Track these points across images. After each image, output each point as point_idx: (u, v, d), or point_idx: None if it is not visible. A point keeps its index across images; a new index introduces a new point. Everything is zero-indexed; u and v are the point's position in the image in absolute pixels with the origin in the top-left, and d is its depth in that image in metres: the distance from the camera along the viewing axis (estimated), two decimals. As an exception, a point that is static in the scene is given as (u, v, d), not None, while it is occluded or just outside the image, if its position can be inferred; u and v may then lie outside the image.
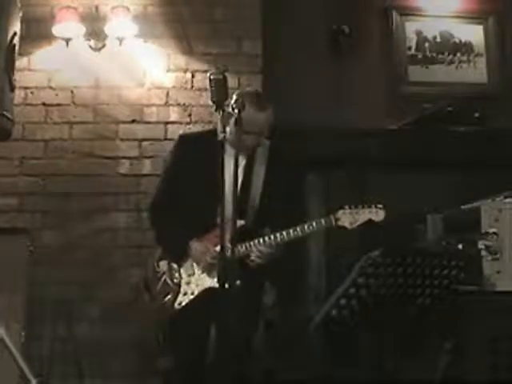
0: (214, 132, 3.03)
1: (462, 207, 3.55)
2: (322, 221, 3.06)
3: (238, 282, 2.95)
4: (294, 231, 3.05)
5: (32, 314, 3.99)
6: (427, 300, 3.01)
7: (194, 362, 3.06)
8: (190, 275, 3.12)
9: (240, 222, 2.97)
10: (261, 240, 3.05)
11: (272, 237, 3.05)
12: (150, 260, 3.26)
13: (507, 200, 3.32)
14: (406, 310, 3.01)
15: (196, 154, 3.17)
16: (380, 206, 3.06)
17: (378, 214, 3.06)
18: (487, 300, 3.18)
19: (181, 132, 4.35)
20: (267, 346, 3.82)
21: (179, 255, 3.14)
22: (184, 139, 3.37)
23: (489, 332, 3.15)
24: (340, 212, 3.06)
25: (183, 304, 3.09)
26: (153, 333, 3.86)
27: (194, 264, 3.12)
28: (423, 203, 4.10)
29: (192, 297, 3.09)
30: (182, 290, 3.11)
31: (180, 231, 3.12)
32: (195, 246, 3.11)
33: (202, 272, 3.10)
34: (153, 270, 3.20)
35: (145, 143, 4.37)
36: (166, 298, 3.11)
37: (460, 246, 3.35)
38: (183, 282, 3.12)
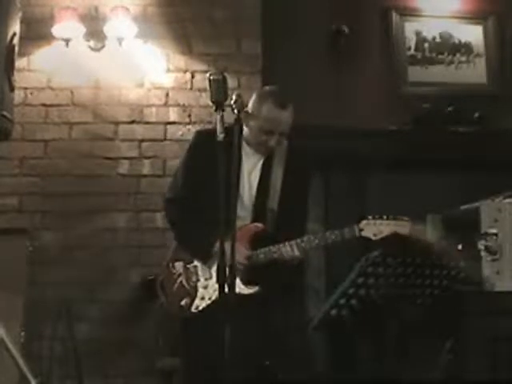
0: (230, 130, 2.92)
1: (462, 207, 3.55)
2: (346, 230, 2.95)
3: (256, 288, 2.96)
4: (317, 239, 2.97)
5: (32, 314, 4.00)
6: (427, 300, 3.01)
7: (205, 364, 2.97)
8: (207, 279, 3.01)
9: (259, 226, 2.95)
10: (287, 244, 2.95)
11: (298, 242, 2.95)
12: (164, 261, 3.14)
13: (507, 200, 3.32)
14: (405, 310, 3.01)
15: (213, 151, 2.91)
16: (406, 218, 2.96)
17: (403, 227, 2.94)
18: (487, 300, 3.18)
19: (180, 133, 4.37)
20: (267, 345, 3.82)
21: (205, 255, 3.00)
22: (201, 135, 3.21)
23: (489, 332, 3.15)
24: (364, 222, 2.95)
25: (200, 308, 2.98)
26: (153, 333, 3.88)
27: (213, 268, 2.97)
28: (423, 203, 4.10)
29: (209, 302, 2.98)
30: (199, 294, 3.00)
31: (205, 230, 2.92)
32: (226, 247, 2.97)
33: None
34: (168, 271, 3.08)
35: (144, 143, 4.37)
36: (183, 302, 3.00)
37: (460, 246, 3.35)
38: (200, 285, 3.01)
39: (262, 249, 2.96)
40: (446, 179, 4.47)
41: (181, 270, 3.06)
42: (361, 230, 2.95)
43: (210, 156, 2.99)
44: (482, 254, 3.21)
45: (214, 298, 2.97)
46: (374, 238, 2.93)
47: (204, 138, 3.13)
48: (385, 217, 2.96)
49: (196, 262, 3.06)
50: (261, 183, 3.05)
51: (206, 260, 3.02)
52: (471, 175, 4.41)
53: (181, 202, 3.11)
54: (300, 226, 3.07)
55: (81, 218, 4.28)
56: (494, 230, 3.21)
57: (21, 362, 2.67)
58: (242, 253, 2.92)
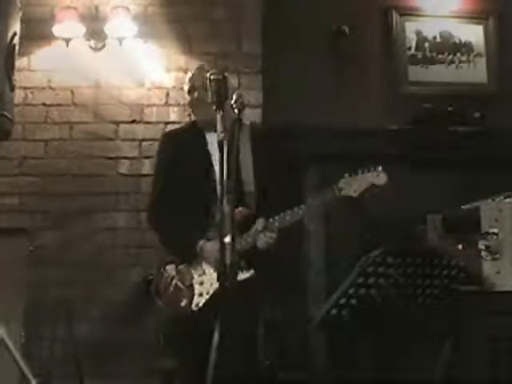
0: (194, 124, 3.20)
1: (462, 207, 3.55)
2: (326, 193, 3.00)
3: (247, 275, 2.98)
4: (298, 210, 3.00)
5: (32, 314, 4.00)
6: (427, 300, 3.01)
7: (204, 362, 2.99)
8: (201, 275, 3.05)
9: (239, 210, 2.93)
10: (262, 223, 3.00)
11: (276, 218, 2.99)
12: (155, 265, 3.18)
13: (507, 200, 3.32)
14: (406, 310, 3.01)
15: (182, 149, 3.14)
16: (379, 168, 3.02)
17: (379, 178, 3.02)
18: (487, 300, 3.18)
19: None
20: (267, 345, 3.82)
21: (190, 255, 3.05)
22: (168, 136, 3.35)
23: (489, 332, 3.15)
24: (342, 181, 3.00)
25: (200, 305, 3.00)
26: (153, 333, 3.87)
27: (204, 263, 3.05)
28: (423, 203, 4.10)
29: (208, 296, 3.01)
30: (196, 292, 3.02)
31: (187, 230, 3.05)
32: (206, 246, 3.04)
33: (214, 271, 3.00)
34: (160, 276, 3.10)
35: (145, 143, 4.37)
36: (183, 303, 3.01)
37: (460, 246, 3.35)
38: (195, 282, 3.04)
39: (245, 234, 3.00)
40: (446, 179, 4.47)
41: (173, 273, 3.08)
42: (340, 189, 3.00)
43: (180, 154, 3.07)
44: (482, 253, 3.21)
45: (211, 291, 3.00)
46: (355, 194, 3.00)
47: (171, 140, 3.25)
48: (360, 171, 3.02)
49: None
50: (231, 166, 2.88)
51: (191, 259, 3.06)
52: (471, 175, 4.41)
53: (160, 207, 3.18)
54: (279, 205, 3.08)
55: (81, 217, 4.28)
56: (494, 230, 3.21)
57: (21, 362, 2.67)
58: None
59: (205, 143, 3.15)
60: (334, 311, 2.92)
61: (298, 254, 4.39)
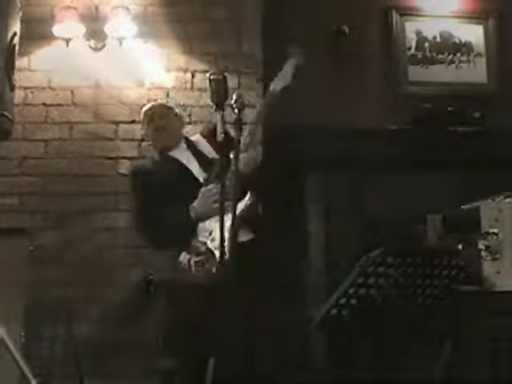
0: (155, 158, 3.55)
1: (462, 207, 3.55)
2: (268, 95, 3.19)
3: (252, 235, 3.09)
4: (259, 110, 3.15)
5: (32, 314, 4.00)
6: (427, 300, 3.00)
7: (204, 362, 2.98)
8: (210, 233, 3.09)
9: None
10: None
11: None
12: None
13: (507, 200, 3.32)
14: (406, 310, 3.01)
15: (154, 176, 3.37)
16: (293, 49, 3.30)
17: (299, 58, 3.27)
18: (487, 300, 3.18)
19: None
20: (267, 346, 3.82)
21: (186, 239, 3.14)
22: (135, 171, 3.61)
23: (489, 332, 3.15)
24: (272, 83, 3.20)
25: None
26: (153, 333, 3.87)
27: (207, 222, 3.12)
28: (423, 203, 4.09)
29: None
30: (216, 252, 3.02)
31: (176, 218, 3.17)
32: (197, 204, 3.16)
33: (216, 222, 2.97)
34: (177, 273, 3.14)
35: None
36: (213, 269, 3.00)
37: (460, 246, 3.35)
38: (209, 242, 3.08)
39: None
40: (446, 179, 4.46)
41: (185, 260, 3.11)
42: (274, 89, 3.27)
43: (153, 177, 3.33)
44: (482, 253, 3.21)
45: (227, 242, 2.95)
46: (287, 82, 3.21)
47: (141, 175, 3.47)
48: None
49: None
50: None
51: (187, 244, 3.15)
52: (471, 175, 4.41)
53: (146, 208, 3.32)
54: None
55: (81, 217, 4.28)
56: (494, 230, 3.21)
57: (21, 362, 2.67)
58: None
59: (173, 160, 3.40)
60: (334, 311, 2.92)
61: (298, 254, 4.39)
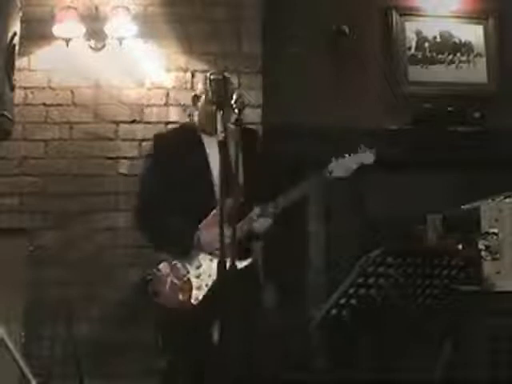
0: (187, 126, 3.27)
1: (462, 207, 3.56)
2: (316, 176, 3.05)
3: (249, 260, 3.00)
4: (291, 194, 3.03)
5: (32, 314, 4.00)
6: (427, 300, 3.01)
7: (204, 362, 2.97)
8: (197, 267, 3.03)
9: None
10: (257, 210, 3.00)
11: (270, 204, 3.01)
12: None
13: (507, 200, 3.32)
14: (406, 310, 3.01)
15: (175, 151, 3.14)
16: (364, 148, 3.08)
17: (368, 157, 3.07)
18: (487, 300, 3.18)
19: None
20: (267, 345, 3.82)
21: (185, 249, 3.04)
22: (160, 138, 3.34)
23: (489, 332, 3.15)
24: (332, 164, 3.05)
25: (200, 298, 2.98)
26: (153, 333, 3.86)
27: (199, 256, 3.03)
28: (423, 203, 4.10)
29: (207, 289, 2.98)
30: (194, 285, 2.99)
31: (180, 227, 3.04)
32: (203, 235, 3.01)
33: (211, 260, 2.99)
34: (155, 276, 3.07)
35: (145, 143, 4.36)
36: (181, 297, 2.99)
37: (460, 246, 3.35)
38: (192, 275, 3.02)
39: (241, 222, 2.97)
40: (446, 179, 4.47)
41: (167, 270, 3.05)
42: (330, 172, 3.06)
43: (173, 156, 3.07)
44: (482, 253, 3.22)
45: (210, 283, 2.99)
46: (346, 174, 3.07)
47: (163, 142, 3.26)
48: (347, 155, 3.08)
49: None
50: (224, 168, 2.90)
51: (187, 253, 3.04)
52: (471, 175, 4.42)
53: (150, 206, 3.16)
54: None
55: (81, 217, 4.28)
56: (494, 230, 3.21)
57: (21, 362, 2.67)
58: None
59: (201, 145, 3.14)
60: (334, 311, 2.92)
61: (298, 253, 4.39)
